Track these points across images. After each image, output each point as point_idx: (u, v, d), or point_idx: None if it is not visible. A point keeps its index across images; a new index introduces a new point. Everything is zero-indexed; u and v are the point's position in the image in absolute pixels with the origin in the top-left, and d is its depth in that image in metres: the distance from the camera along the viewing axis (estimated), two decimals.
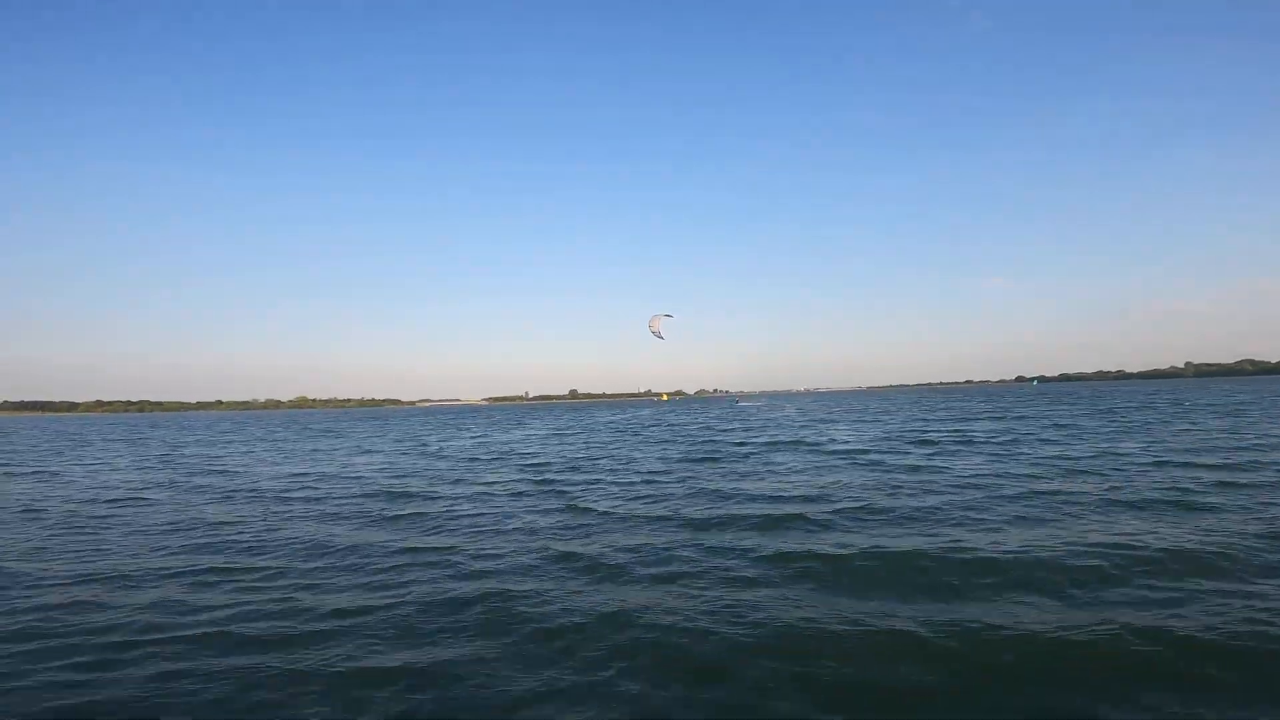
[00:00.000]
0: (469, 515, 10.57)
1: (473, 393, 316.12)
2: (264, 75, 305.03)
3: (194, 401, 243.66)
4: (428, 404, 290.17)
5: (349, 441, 33.45)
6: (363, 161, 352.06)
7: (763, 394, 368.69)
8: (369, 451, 25.79)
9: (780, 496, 11.90)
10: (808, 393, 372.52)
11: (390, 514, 10.65)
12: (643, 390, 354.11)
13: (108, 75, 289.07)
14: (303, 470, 18.25)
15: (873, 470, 15.36)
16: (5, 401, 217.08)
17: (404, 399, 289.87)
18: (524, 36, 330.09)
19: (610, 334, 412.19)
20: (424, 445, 28.48)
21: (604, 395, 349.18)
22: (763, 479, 14.37)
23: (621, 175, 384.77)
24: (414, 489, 13.85)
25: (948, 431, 26.68)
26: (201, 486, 15.06)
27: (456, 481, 15.12)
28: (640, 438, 30.28)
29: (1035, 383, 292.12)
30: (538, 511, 11.00)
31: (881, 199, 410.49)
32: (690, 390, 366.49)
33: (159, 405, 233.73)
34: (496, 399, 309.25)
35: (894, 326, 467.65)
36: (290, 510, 11.18)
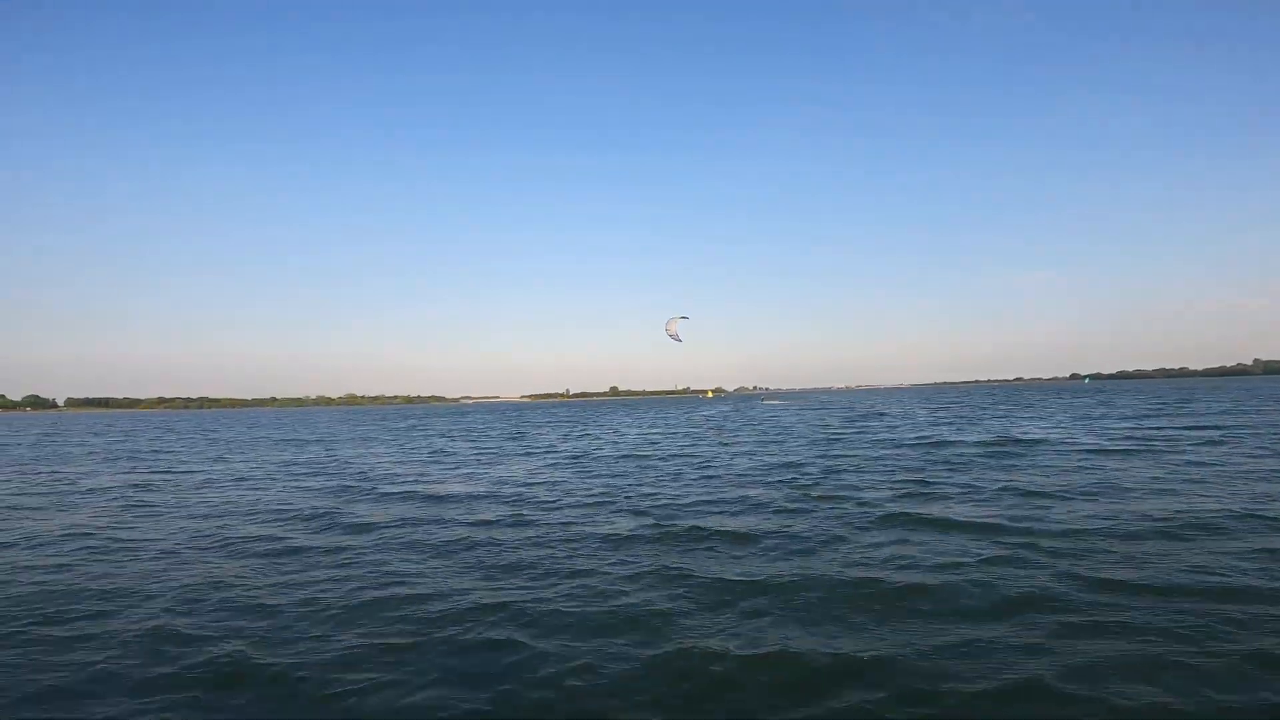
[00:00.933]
0: (916, 570, 6.97)
1: (510, 389, 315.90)
2: (277, 73, 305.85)
3: (250, 398, 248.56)
4: (470, 401, 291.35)
5: (458, 442, 30.47)
6: (393, 159, 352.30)
7: (795, 391, 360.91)
8: (515, 455, 22.59)
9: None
10: (847, 390, 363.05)
11: (806, 576, 6.96)
12: (681, 387, 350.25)
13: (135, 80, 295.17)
14: (490, 488, 15.00)
15: (1259, 479, 11.46)
16: (70, 399, 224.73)
17: (447, 396, 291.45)
18: (533, 34, 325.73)
19: (625, 331, 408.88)
20: (553, 448, 25.15)
21: (645, 392, 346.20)
22: (1174, 492, 10.56)
23: (628, 171, 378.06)
24: (688, 520, 10.29)
25: (1187, 427, 22.35)
26: (440, 519, 11.79)
27: (730, 504, 11.51)
28: (800, 437, 26.37)
29: (1087, 380, 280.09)
30: (979, 549, 7.41)
31: (915, 192, 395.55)
32: (729, 388, 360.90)
33: (216, 402, 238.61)
34: (537, 396, 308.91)
35: (930, 323, 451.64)
36: (671, 559, 7.53)
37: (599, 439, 29.25)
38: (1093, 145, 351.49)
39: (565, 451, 23.15)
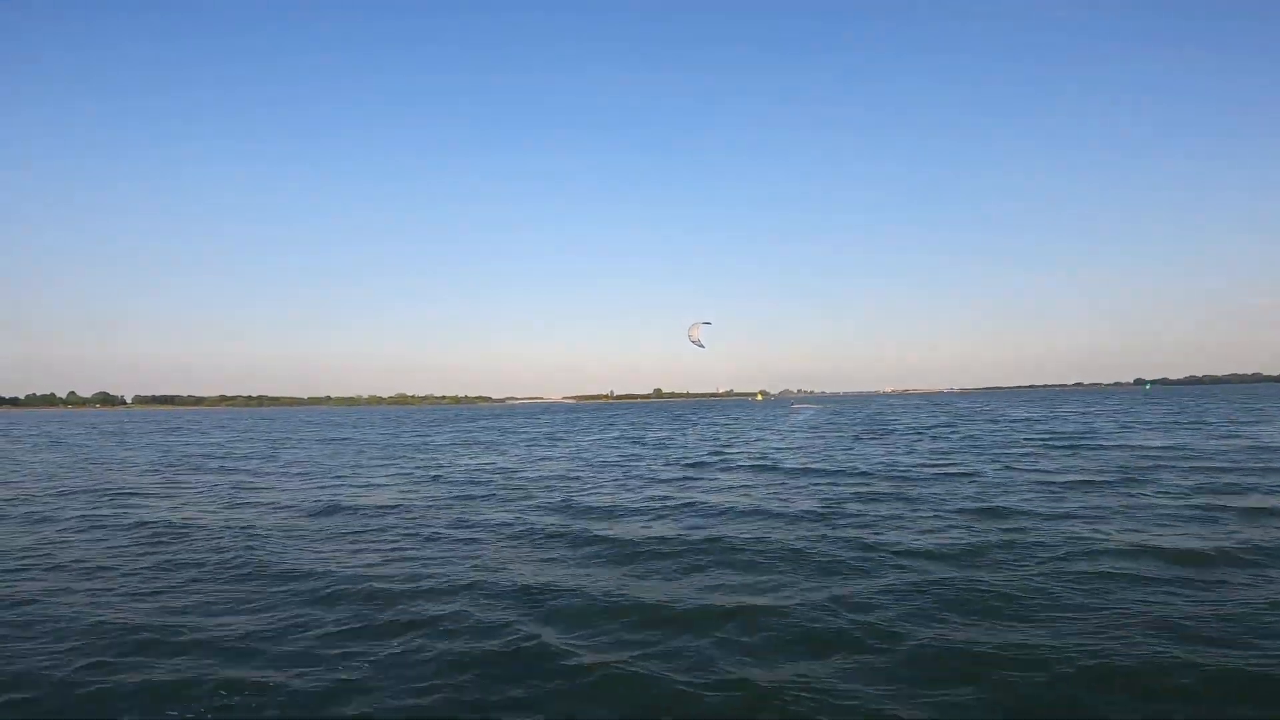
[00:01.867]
0: None
1: (550, 390, 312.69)
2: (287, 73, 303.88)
3: (306, 397, 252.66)
4: (515, 402, 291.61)
5: (581, 442, 26.98)
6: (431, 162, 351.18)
7: (842, 395, 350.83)
8: (691, 466, 18.95)
9: None
10: (896, 393, 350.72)
11: None
12: (723, 390, 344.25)
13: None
14: (814, 538, 11.23)
15: None
16: (136, 396, 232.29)
17: (493, 396, 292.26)
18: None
19: (631, 332, 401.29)
20: (720, 459, 21.36)
21: (688, 394, 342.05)
22: None
23: (634, 171, 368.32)
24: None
25: None
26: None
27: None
28: (1000, 445, 21.89)
29: (1148, 386, 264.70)
30: None
31: (954, 191, 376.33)
32: (774, 391, 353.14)
33: (275, 400, 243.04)
34: (582, 397, 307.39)
35: (968, 327, 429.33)
36: None
37: (751, 446, 25.28)
38: (1145, 146, 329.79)
39: (740, 462, 19.32)
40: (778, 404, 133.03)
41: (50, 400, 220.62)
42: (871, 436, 28.49)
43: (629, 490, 13.85)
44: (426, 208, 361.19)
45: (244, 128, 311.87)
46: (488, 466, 19.36)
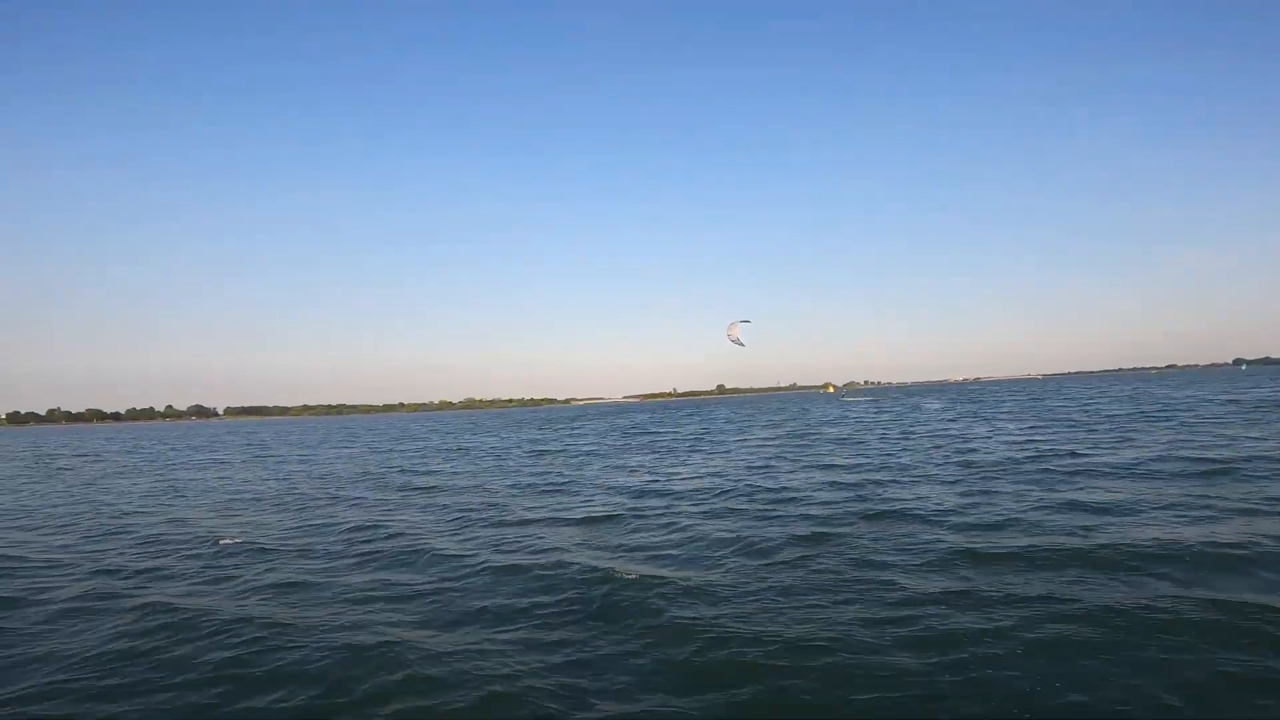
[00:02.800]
0: None
1: (611, 390, 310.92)
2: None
3: (380, 404, 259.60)
4: (578, 402, 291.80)
5: (746, 450, 23.32)
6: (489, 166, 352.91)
7: (927, 385, 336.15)
8: (1011, 472, 15.00)
9: None
10: (968, 383, 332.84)
11: None
12: (786, 384, 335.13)
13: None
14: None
15: None
16: (229, 407, 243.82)
17: (558, 398, 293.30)
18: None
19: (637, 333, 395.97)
20: (1014, 461, 17.31)
21: (752, 389, 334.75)
22: None
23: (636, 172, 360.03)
24: None
25: None
26: None
27: None
28: None
29: (1244, 366, 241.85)
30: None
31: (1040, 163, 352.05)
32: (838, 382, 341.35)
33: (353, 408, 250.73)
34: (645, 396, 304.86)
35: (1060, 308, 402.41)
36: None
37: (989, 444, 20.98)
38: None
39: (1056, 466, 15.19)
40: (836, 398, 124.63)
41: (149, 414, 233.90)
42: (1101, 428, 23.65)
43: (1027, 518, 9.95)
44: (451, 208, 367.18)
45: (243, 128, 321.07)
46: (717, 484, 15.77)
